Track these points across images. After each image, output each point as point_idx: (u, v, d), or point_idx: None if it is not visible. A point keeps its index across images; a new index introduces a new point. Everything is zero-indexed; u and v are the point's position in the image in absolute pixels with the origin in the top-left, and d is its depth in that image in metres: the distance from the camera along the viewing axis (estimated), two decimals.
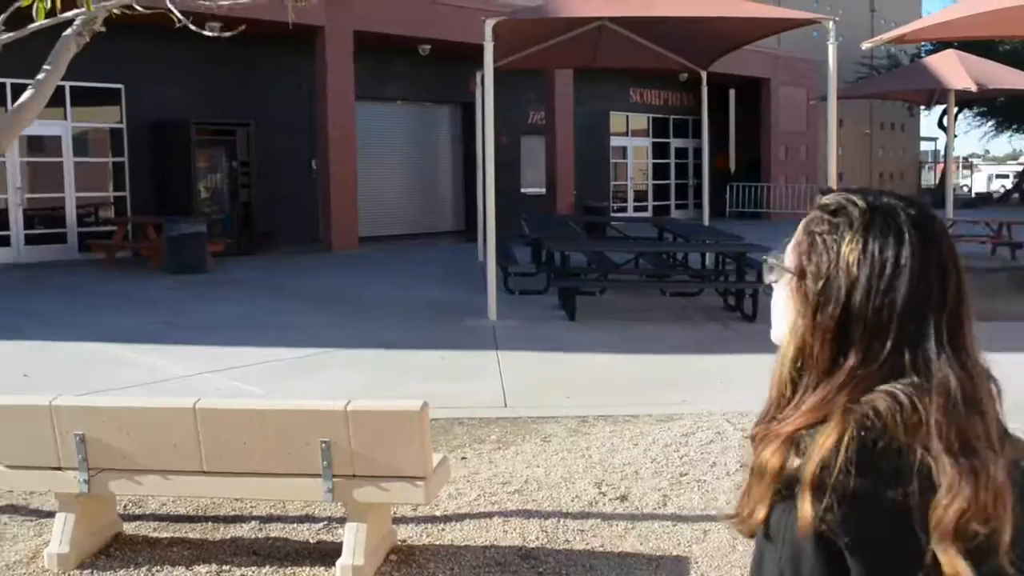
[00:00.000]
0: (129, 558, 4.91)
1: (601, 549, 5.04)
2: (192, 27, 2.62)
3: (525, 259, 15.65)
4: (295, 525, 5.33)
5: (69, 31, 2.81)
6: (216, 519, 5.43)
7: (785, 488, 1.31)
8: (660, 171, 32.63)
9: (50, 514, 5.30)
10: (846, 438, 1.27)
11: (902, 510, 1.25)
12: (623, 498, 5.77)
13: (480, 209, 15.83)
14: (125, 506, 5.48)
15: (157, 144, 19.73)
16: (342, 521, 4.91)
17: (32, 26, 2.59)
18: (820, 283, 1.37)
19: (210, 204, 19.53)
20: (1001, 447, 1.30)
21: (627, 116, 31.08)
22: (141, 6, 2.61)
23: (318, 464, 4.53)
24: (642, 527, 5.32)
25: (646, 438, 6.93)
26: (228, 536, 5.21)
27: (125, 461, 4.71)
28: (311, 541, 5.13)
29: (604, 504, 5.67)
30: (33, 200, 18.69)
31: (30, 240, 18.46)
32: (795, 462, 1.31)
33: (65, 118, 18.49)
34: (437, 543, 5.09)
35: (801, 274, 1.40)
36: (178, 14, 2.52)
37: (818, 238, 1.40)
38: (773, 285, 1.50)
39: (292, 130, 21.18)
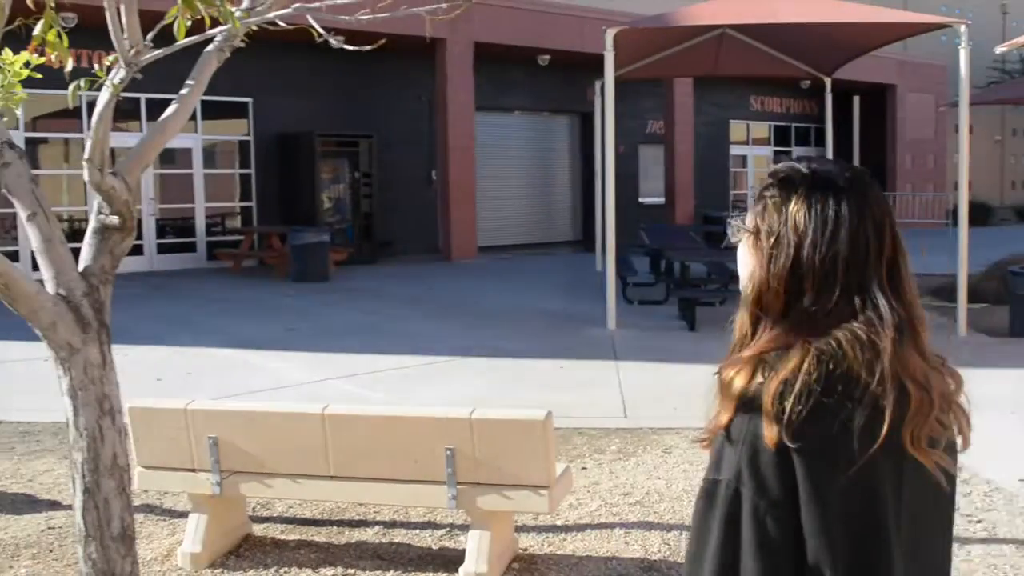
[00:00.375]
0: (258, 559, 5.03)
1: None
2: (334, 42, 2.67)
3: (644, 269, 15.56)
4: (418, 531, 5.40)
5: (211, 47, 2.90)
6: (341, 523, 5.52)
7: (748, 402, 1.52)
8: None
9: (183, 514, 5.47)
10: (807, 362, 1.49)
11: (847, 427, 1.47)
12: None
13: (599, 219, 15.82)
14: (254, 508, 5.62)
15: (282, 156, 20.22)
16: (464, 528, 4.95)
17: (179, 43, 2.69)
18: (772, 239, 1.59)
19: (333, 214, 19.95)
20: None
21: (747, 124, 30.67)
22: (284, 22, 2.68)
23: (442, 471, 4.58)
24: None
25: None
26: (353, 540, 5.30)
27: (255, 464, 4.83)
28: (433, 547, 5.19)
29: None
30: (165, 211, 19.32)
31: (162, 249, 19.09)
32: (759, 380, 1.53)
33: (196, 131, 19.07)
34: (559, 552, 5.09)
35: (756, 232, 1.62)
36: (320, 30, 2.58)
37: (769, 201, 1.62)
38: (737, 244, 1.69)
39: (412, 141, 21.48)
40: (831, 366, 1.49)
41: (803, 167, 1.62)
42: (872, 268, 1.57)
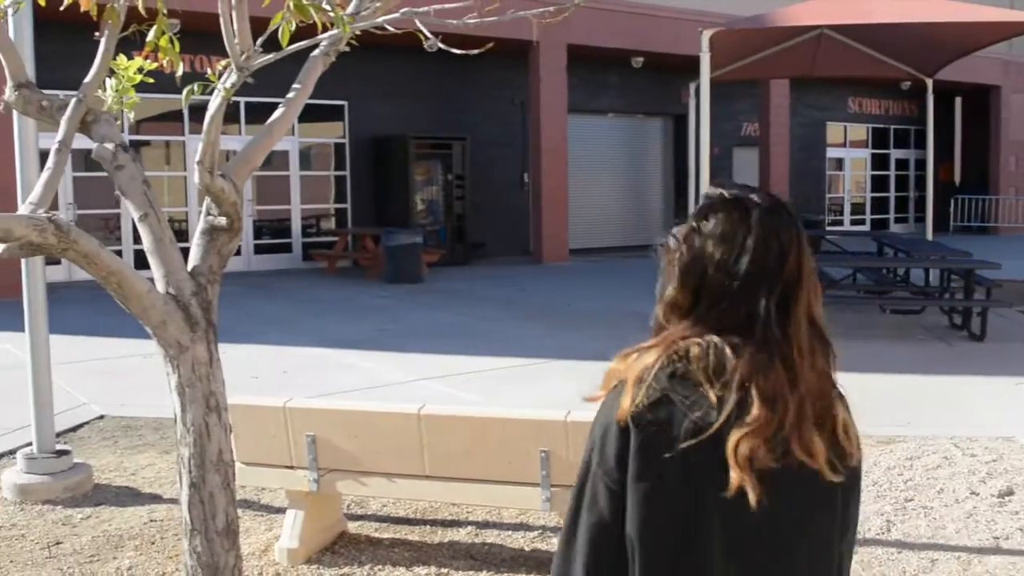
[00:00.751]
0: (353, 556, 5.09)
1: None
2: (428, 46, 2.71)
3: None
4: (510, 532, 5.41)
5: (316, 51, 2.96)
6: (434, 523, 5.57)
7: (615, 386, 1.78)
8: (879, 183, 31.48)
9: (279, 510, 5.57)
10: (659, 362, 1.72)
11: (677, 421, 1.68)
12: None
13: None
14: (348, 506, 5.69)
15: (377, 158, 20.44)
16: (556, 531, 4.95)
17: (289, 48, 2.74)
18: (688, 258, 1.78)
19: (426, 216, 20.11)
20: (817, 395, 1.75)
21: (845, 126, 30.14)
22: (392, 26, 2.72)
23: (537, 473, 4.60)
24: (864, 553, 5.15)
25: (867, 460, 6.69)
26: (446, 540, 5.33)
27: (352, 462, 4.90)
28: (526, 549, 5.20)
29: None
30: (262, 212, 19.67)
31: (259, 250, 19.44)
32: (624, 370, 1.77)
33: (293, 134, 19.38)
34: None
35: (676, 251, 1.82)
36: (428, 34, 2.61)
37: (693, 222, 1.81)
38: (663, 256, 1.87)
39: (505, 143, 21.56)
40: (678, 366, 1.71)
41: (727, 193, 1.81)
42: (764, 295, 1.73)
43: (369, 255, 18.15)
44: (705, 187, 11.22)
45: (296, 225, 20.13)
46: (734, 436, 1.65)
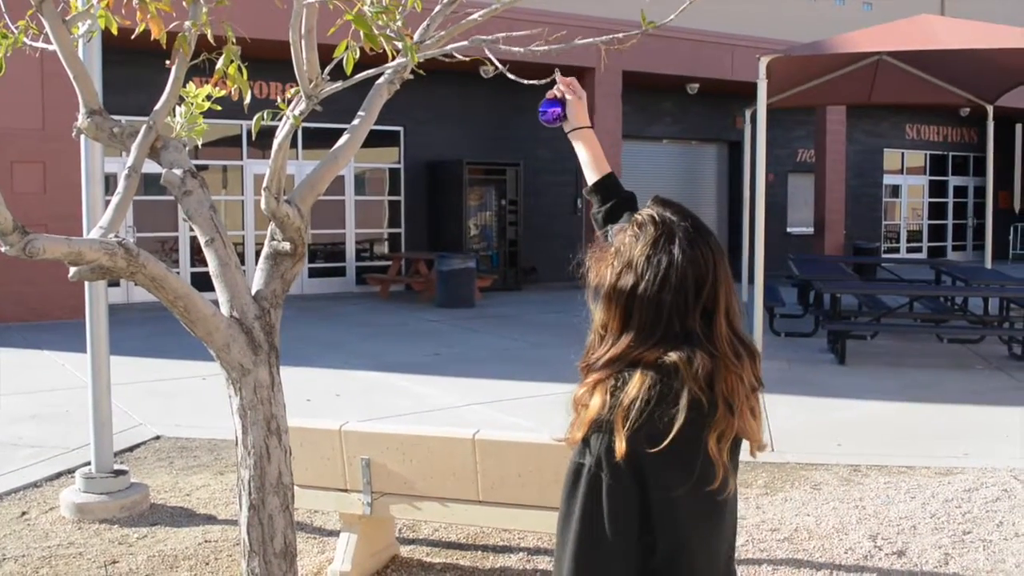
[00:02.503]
0: None
1: None
2: (511, 76, 2.74)
3: (791, 300, 15.32)
4: None
5: (381, 79, 3.00)
6: (485, 548, 5.57)
7: (600, 423, 1.95)
8: (936, 210, 31.12)
9: (332, 532, 5.61)
10: (648, 383, 1.92)
11: (669, 428, 1.89)
12: (900, 553, 5.53)
13: (746, 249, 15.61)
14: (400, 530, 5.71)
15: (431, 183, 20.57)
16: None
17: (357, 77, 2.79)
18: (616, 277, 1.99)
19: (479, 241, 20.19)
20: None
21: (902, 153, 29.85)
22: (460, 54, 2.76)
23: None
24: None
25: (924, 491, 6.62)
26: (497, 565, 5.33)
27: (406, 486, 4.92)
28: None
29: (880, 559, 5.46)
30: (316, 236, 19.83)
31: (313, 273, 19.61)
32: (608, 404, 1.95)
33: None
34: None
35: (607, 272, 2.01)
36: (497, 63, 2.65)
37: (623, 246, 2.02)
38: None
39: (558, 169, 21.60)
40: (660, 386, 1.91)
41: (657, 216, 2.04)
42: (691, 315, 1.96)
43: (422, 279, 18.25)
44: (760, 213, 11.20)
45: (350, 249, 20.29)
46: (714, 432, 1.92)
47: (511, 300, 18.35)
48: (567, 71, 2.74)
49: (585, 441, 1.98)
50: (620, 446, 1.91)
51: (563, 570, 1.98)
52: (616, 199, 2.61)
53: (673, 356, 1.92)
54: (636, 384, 1.92)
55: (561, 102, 2.77)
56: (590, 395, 1.99)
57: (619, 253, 2.02)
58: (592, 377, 2.01)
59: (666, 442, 1.89)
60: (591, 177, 2.74)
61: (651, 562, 1.94)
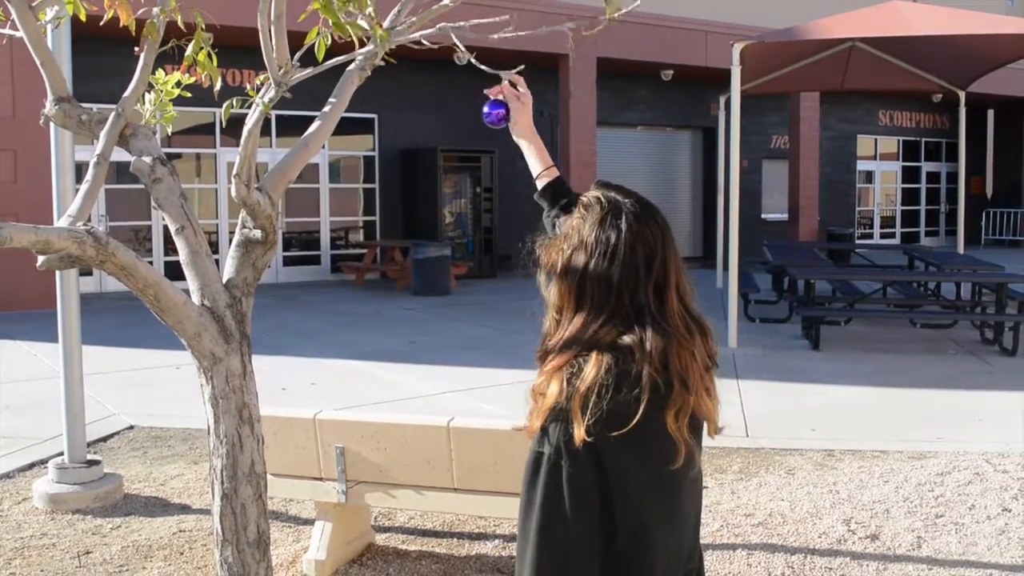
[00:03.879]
0: (380, 568, 5.11)
1: None
2: (476, 63, 2.74)
3: (766, 286, 15.38)
4: None
5: (352, 66, 2.98)
6: (461, 535, 5.58)
7: (558, 412, 1.95)
8: (909, 196, 31.30)
9: (307, 521, 5.60)
10: (604, 368, 1.92)
11: (630, 411, 1.89)
12: (874, 537, 5.57)
13: (720, 235, 15.66)
14: (376, 518, 5.71)
15: (406, 171, 20.52)
16: None
17: (326, 64, 2.77)
18: (567, 256, 2.04)
19: (454, 228, 20.17)
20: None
21: (875, 139, 30.00)
22: (429, 41, 2.75)
23: None
24: (895, 569, 5.12)
25: (897, 475, 6.67)
26: (473, 553, 5.34)
27: (380, 474, 4.92)
28: None
29: (853, 543, 5.49)
30: (291, 224, 19.78)
31: (287, 262, 19.55)
32: (565, 392, 1.94)
33: (323, 147, 19.47)
34: None
35: (557, 254, 2.06)
36: (463, 50, 2.64)
37: (571, 228, 2.07)
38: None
39: None
40: (616, 370, 1.91)
41: (602, 196, 2.07)
42: (642, 290, 1.98)
43: (397, 267, 18.23)
44: (734, 199, 11.23)
45: (325, 237, 20.24)
46: (670, 411, 1.95)
47: (486, 288, 18.34)
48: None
49: (544, 430, 1.98)
50: (579, 433, 1.90)
51: (526, 560, 1.96)
52: (566, 200, 2.63)
53: (627, 339, 1.94)
54: (592, 370, 1.93)
55: (505, 104, 2.78)
56: (547, 383, 2.00)
57: (567, 236, 2.06)
58: (549, 365, 2.03)
59: (628, 427, 1.90)
60: (539, 181, 2.80)
61: (613, 546, 1.94)
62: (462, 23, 2.66)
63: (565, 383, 1.95)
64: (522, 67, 2.58)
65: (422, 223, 20.05)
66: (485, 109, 2.65)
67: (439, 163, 19.81)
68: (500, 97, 2.71)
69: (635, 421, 1.89)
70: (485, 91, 2.74)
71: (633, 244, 2.00)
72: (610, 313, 1.97)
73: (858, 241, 26.72)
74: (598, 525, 1.93)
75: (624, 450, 1.93)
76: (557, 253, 2.07)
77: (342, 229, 20.71)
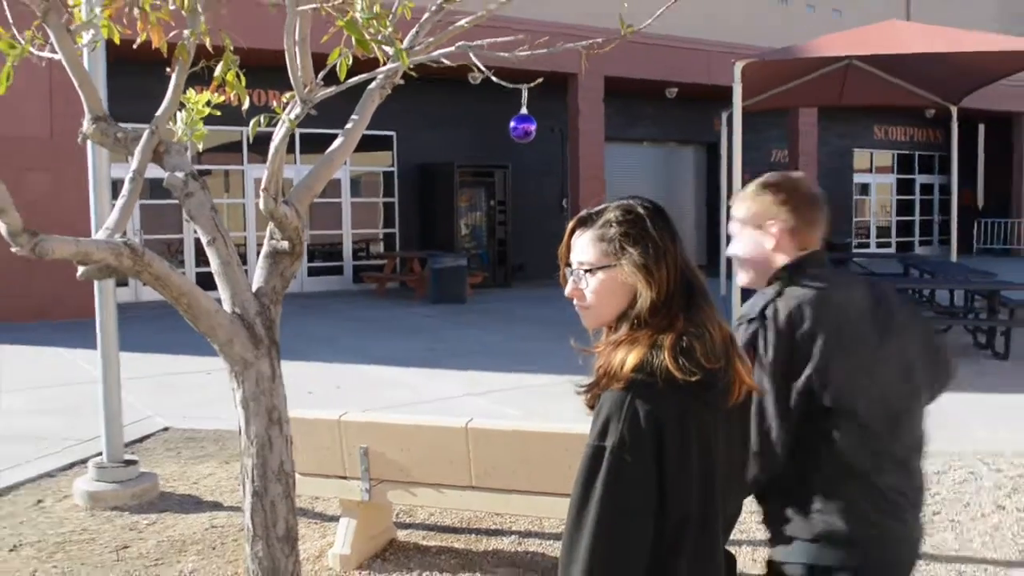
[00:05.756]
0: (402, 563, 5.11)
1: None
2: (496, 80, 2.74)
3: None
4: (551, 541, 5.41)
5: (373, 85, 2.99)
6: (479, 531, 5.57)
7: (633, 381, 1.88)
8: (904, 207, 31.19)
9: (332, 518, 5.60)
10: (676, 340, 1.89)
11: (717, 382, 1.92)
12: None
13: (723, 245, 15.62)
14: (398, 515, 5.71)
15: (423, 185, 20.55)
16: None
17: (349, 82, 2.78)
18: (642, 263, 1.97)
19: (470, 240, 20.18)
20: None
21: (871, 153, 29.91)
22: (447, 60, 2.75)
23: None
24: None
25: None
26: (490, 548, 5.34)
27: (402, 473, 4.92)
28: None
29: None
30: (315, 236, 19.81)
31: (312, 272, 19.58)
32: (647, 360, 1.89)
33: (345, 163, 19.51)
34: None
35: (622, 260, 2.00)
36: (482, 68, 2.65)
37: (630, 233, 2.00)
38: (592, 272, 2.04)
39: (545, 171, 21.60)
40: (690, 342, 1.90)
41: (639, 205, 2.04)
42: (690, 278, 2.01)
43: (416, 277, 18.24)
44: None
45: (347, 249, 20.28)
46: (739, 386, 1.99)
47: (500, 296, 18.34)
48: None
49: (604, 426, 1.88)
50: (673, 367, 1.87)
51: (579, 551, 1.86)
52: None
53: (694, 317, 1.96)
54: (671, 337, 1.91)
55: (532, 120, 2.79)
56: (628, 354, 1.92)
57: (627, 244, 2.00)
58: (639, 341, 1.95)
59: (719, 386, 1.94)
60: None
61: (663, 531, 1.89)
62: (479, 42, 2.66)
63: (649, 350, 1.90)
64: (540, 80, 2.57)
65: (439, 235, 20.07)
66: (512, 124, 2.66)
67: (455, 178, 19.84)
68: (525, 112, 2.71)
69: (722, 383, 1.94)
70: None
71: (677, 240, 2.03)
72: (666, 319, 1.95)
73: (855, 250, 26.61)
74: (653, 517, 1.88)
75: (706, 410, 1.92)
76: (623, 252, 2.00)
77: (363, 241, 20.75)
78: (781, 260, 2.57)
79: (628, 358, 1.91)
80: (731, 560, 2.08)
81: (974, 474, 6.62)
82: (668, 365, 1.87)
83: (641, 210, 2.03)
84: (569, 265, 2.09)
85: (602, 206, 2.08)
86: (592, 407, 1.99)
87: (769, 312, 2.46)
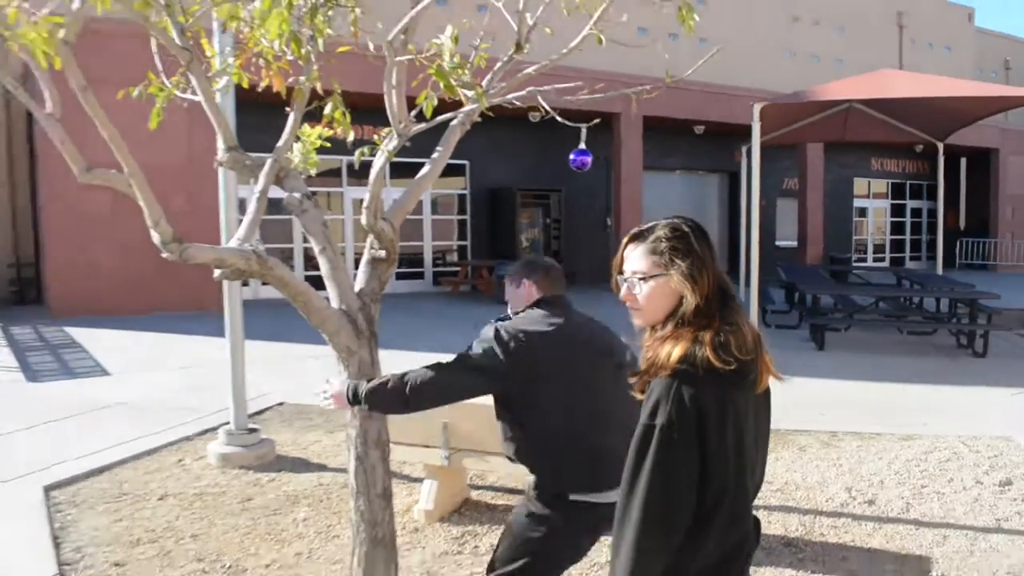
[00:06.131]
0: (475, 517, 5.11)
1: (852, 543, 4.77)
2: (558, 118, 2.73)
3: (780, 299, 15.12)
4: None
5: (455, 122, 2.99)
6: None
7: (679, 370, 1.85)
8: (896, 227, 30.56)
9: (417, 479, 5.61)
10: (715, 336, 1.86)
11: (746, 373, 1.89)
12: (871, 502, 5.43)
13: (743, 258, 15.43)
14: (471, 478, 5.70)
15: (491, 205, 20.58)
16: None
17: (438, 119, 2.78)
18: (688, 273, 1.95)
19: (529, 251, 20.16)
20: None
21: (868, 181, 29.36)
22: (518, 101, 2.74)
23: None
24: (888, 528, 4.99)
25: (889, 453, 6.50)
26: None
27: (476, 444, 4.92)
28: None
29: (854, 506, 5.36)
30: (402, 247, 19.66)
31: (398, 276, 19.67)
32: (690, 352, 1.86)
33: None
34: None
35: (670, 271, 1.98)
36: (547, 108, 2.64)
37: (679, 246, 1.98)
38: (645, 280, 2.00)
39: (592, 194, 21.52)
40: (726, 339, 1.87)
41: (684, 224, 2.02)
42: (719, 298, 1.96)
43: (484, 281, 18.26)
44: (754, 230, 11.02)
45: (428, 257, 20.37)
46: (765, 375, 1.98)
47: None
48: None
49: (655, 407, 1.85)
50: (713, 357, 1.85)
51: (631, 515, 1.85)
52: None
53: (729, 317, 1.93)
54: (709, 335, 1.88)
55: (588, 153, 2.79)
56: (674, 347, 1.89)
57: (677, 256, 1.98)
58: (674, 332, 1.93)
59: (750, 376, 1.91)
60: None
61: (703, 497, 1.87)
62: (546, 88, 2.65)
63: (692, 344, 1.88)
64: (597, 120, 2.55)
65: (503, 246, 20.08)
66: (572, 156, 2.64)
67: (517, 199, 19.85)
68: (583, 147, 2.70)
69: (752, 374, 1.92)
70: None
71: (712, 252, 2.01)
72: (703, 318, 1.92)
73: (855, 264, 26.13)
74: (696, 484, 1.86)
75: (740, 396, 1.90)
76: (672, 263, 1.98)
77: (441, 251, 20.82)
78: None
79: (674, 351, 1.88)
80: (756, 523, 2.05)
81: (956, 454, 6.47)
82: (709, 356, 1.84)
83: (686, 228, 2.01)
84: (621, 273, 2.07)
85: (652, 224, 2.06)
86: (642, 392, 1.96)
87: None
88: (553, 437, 2.79)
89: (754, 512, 2.04)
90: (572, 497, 2.75)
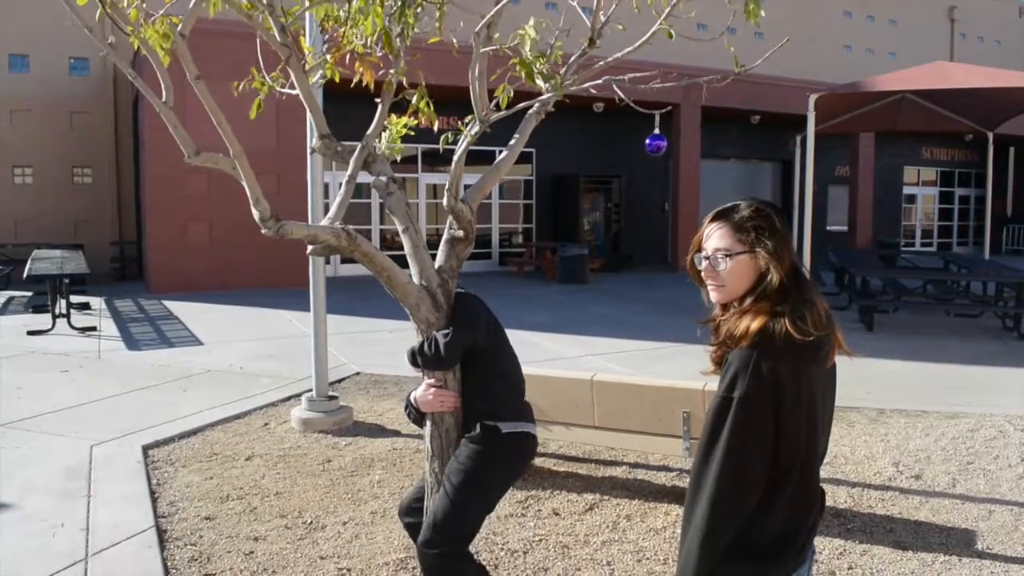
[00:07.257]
0: (538, 483, 5.14)
1: (899, 516, 4.68)
2: (633, 105, 2.70)
3: (830, 282, 14.81)
4: (655, 472, 5.36)
5: (531, 111, 2.99)
6: (597, 461, 5.56)
7: (758, 341, 1.82)
8: (945, 214, 29.64)
9: None
10: (792, 310, 1.84)
11: (823, 345, 1.88)
12: (917, 477, 5.32)
13: (795, 243, 15.14)
14: None
15: (555, 191, 20.51)
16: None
17: (518, 106, 2.78)
18: (779, 250, 1.92)
19: (591, 234, 20.08)
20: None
21: (918, 170, 28.51)
22: (594, 90, 2.73)
23: (679, 428, 4.54)
24: (934, 502, 4.88)
25: (936, 431, 6.35)
26: (607, 475, 5.32)
27: (540, 414, 4.93)
28: (667, 485, 5.14)
29: (901, 480, 5.26)
30: None
31: (469, 257, 19.77)
32: (768, 325, 1.83)
33: None
34: None
35: (755, 250, 1.95)
36: (621, 95, 2.62)
37: (764, 225, 1.94)
38: (730, 256, 1.97)
39: (651, 179, 21.31)
40: (801, 315, 1.83)
41: (767, 206, 1.99)
42: (794, 275, 1.93)
43: (548, 262, 18.24)
44: (807, 216, 10.80)
45: (495, 239, 20.41)
46: (837, 349, 1.96)
47: (614, 279, 18.19)
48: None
49: (733, 380, 1.83)
50: (793, 329, 1.81)
51: (707, 481, 1.83)
52: None
53: (805, 295, 1.91)
54: (788, 310, 1.85)
55: (664, 138, 2.74)
56: (753, 320, 1.87)
57: (764, 235, 1.95)
58: (761, 311, 1.89)
59: (824, 351, 1.90)
60: None
61: (776, 467, 1.85)
62: (622, 77, 2.63)
63: (771, 318, 1.85)
64: (669, 108, 2.52)
65: (567, 229, 20.02)
66: (648, 141, 2.62)
67: (579, 185, 19.74)
68: (658, 132, 2.66)
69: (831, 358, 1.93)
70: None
71: (789, 232, 1.98)
72: (782, 295, 1.90)
73: (903, 248, 25.45)
74: (769, 455, 1.83)
75: (813, 368, 1.87)
76: (759, 241, 1.95)
77: (507, 233, 20.84)
78: None
79: (753, 324, 1.85)
80: (822, 494, 2.03)
81: (1002, 432, 6.29)
82: (788, 329, 1.81)
83: (769, 209, 1.99)
84: (699, 251, 2.05)
85: (734, 204, 2.04)
86: (718, 363, 1.95)
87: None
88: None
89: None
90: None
